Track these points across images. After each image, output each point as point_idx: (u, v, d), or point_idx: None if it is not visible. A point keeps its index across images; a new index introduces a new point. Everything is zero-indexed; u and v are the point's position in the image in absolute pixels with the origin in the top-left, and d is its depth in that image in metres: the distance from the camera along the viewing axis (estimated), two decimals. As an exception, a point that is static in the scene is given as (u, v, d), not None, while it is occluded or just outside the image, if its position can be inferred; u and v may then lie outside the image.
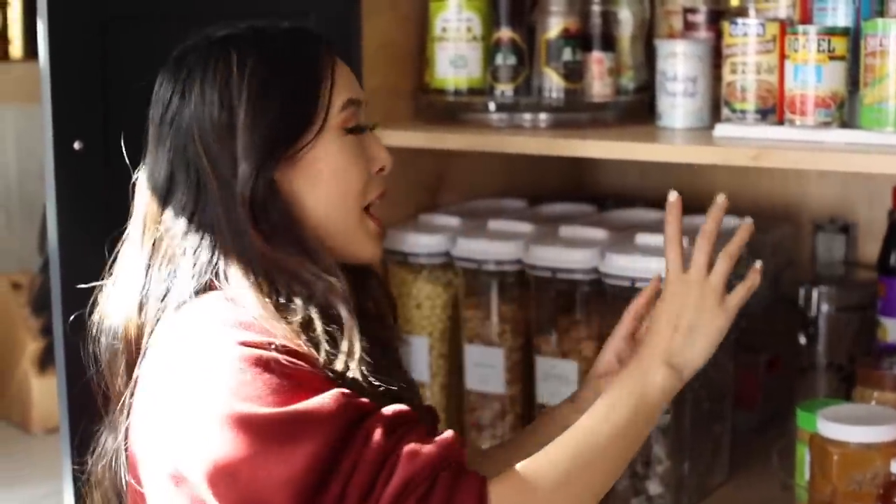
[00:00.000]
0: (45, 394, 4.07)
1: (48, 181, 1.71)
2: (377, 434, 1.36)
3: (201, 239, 1.49)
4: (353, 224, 1.56)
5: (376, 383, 1.44)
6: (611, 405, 1.53)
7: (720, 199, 1.66)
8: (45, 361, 4.09)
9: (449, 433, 1.42)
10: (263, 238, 1.49)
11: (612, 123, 2.17)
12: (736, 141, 1.92)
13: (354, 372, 1.43)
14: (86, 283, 1.74)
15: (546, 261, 2.11)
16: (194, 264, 1.48)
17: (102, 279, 1.57)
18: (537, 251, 2.12)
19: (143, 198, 1.56)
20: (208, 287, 1.48)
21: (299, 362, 1.39)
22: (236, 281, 1.46)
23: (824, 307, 2.33)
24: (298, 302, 1.46)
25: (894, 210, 2.29)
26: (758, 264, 1.66)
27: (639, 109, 2.23)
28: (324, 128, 1.53)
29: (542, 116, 2.15)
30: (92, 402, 1.61)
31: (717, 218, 1.65)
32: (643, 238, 2.10)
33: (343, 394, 1.38)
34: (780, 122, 1.90)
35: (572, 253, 2.09)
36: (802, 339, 2.35)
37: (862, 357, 2.24)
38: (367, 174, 1.57)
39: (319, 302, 1.47)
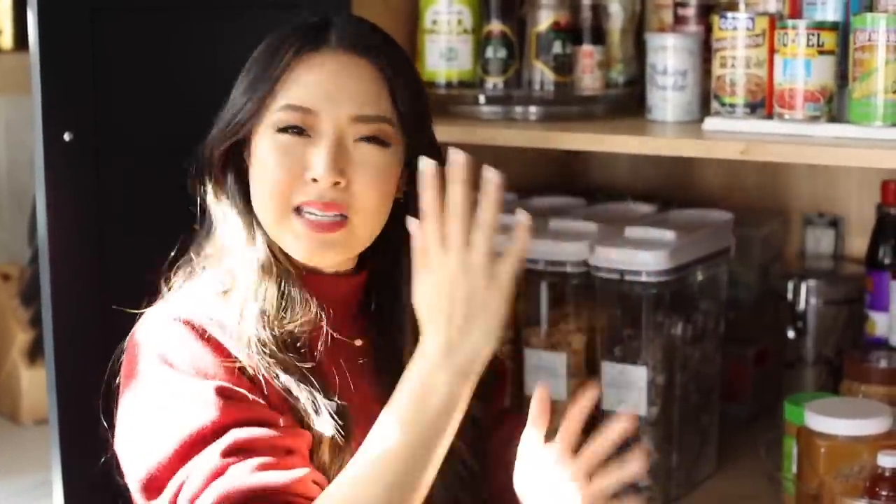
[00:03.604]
0: (35, 385, 4.06)
1: (38, 172, 1.71)
2: (213, 455, 1.40)
3: None
4: (275, 221, 1.53)
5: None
6: (390, 431, 1.41)
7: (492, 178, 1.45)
8: (34, 352, 4.09)
9: (300, 473, 1.42)
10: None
11: (602, 116, 2.18)
12: (725, 134, 1.92)
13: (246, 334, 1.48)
14: (75, 275, 1.75)
15: (536, 254, 2.12)
16: None
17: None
18: (527, 244, 2.12)
19: None
20: None
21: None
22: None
23: (813, 301, 2.34)
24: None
25: (883, 204, 2.29)
26: (523, 218, 1.46)
27: (628, 103, 2.23)
28: (256, 122, 1.54)
29: (533, 109, 2.15)
30: (81, 394, 1.61)
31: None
32: (633, 231, 2.10)
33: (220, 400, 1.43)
34: (770, 116, 1.91)
35: (562, 246, 2.10)
36: (791, 333, 2.36)
37: (850, 350, 2.24)
38: (294, 177, 1.52)
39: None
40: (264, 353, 1.48)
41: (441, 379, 1.41)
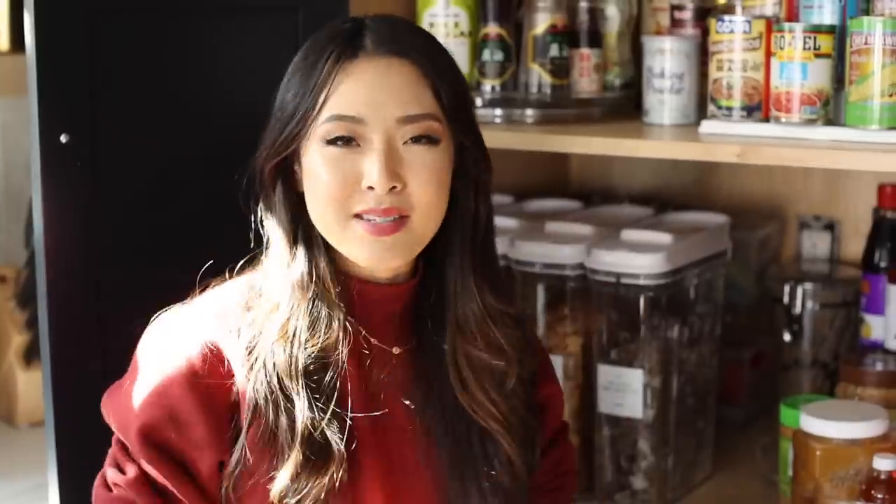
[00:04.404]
0: (31, 387, 4.06)
1: (34, 174, 1.71)
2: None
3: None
4: (336, 230, 1.52)
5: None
6: None
7: None
8: (30, 355, 4.09)
9: None
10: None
11: (599, 119, 2.18)
12: (722, 137, 1.92)
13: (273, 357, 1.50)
14: (71, 277, 1.74)
15: (532, 256, 2.12)
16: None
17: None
18: (524, 247, 2.13)
19: None
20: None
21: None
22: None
23: (809, 304, 2.34)
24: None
25: (879, 207, 2.29)
26: None
27: (625, 106, 2.24)
28: (305, 135, 1.52)
29: (529, 112, 2.15)
30: (77, 396, 1.61)
31: None
32: (629, 234, 2.11)
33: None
34: (766, 119, 1.91)
35: (559, 249, 2.10)
36: (787, 336, 2.36)
37: (846, 353, 2.24)
38: (349, 187, 1.51)
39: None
40: (270, 378, 1.49)
41: None
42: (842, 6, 1.89)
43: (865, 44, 1.77)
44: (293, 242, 1.55)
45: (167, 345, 1.51)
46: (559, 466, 1.77)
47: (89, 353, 1.66)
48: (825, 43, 1.84)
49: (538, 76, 2.15)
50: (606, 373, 2.09)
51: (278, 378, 1.48)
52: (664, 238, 2.07)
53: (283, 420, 1.48)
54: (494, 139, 2.09)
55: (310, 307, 1.51)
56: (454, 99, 1.56)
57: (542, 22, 2.14)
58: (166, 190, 1.83)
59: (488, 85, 2.18)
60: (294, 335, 1.50)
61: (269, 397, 1.48)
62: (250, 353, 1.50)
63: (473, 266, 1.60)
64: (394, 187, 1.50)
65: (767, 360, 2.44)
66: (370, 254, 1.52)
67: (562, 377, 2.11)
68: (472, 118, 1.61)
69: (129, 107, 1.80)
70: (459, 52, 2.21)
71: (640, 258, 2.02)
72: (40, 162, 1.70)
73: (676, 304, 2.09)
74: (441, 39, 2.19)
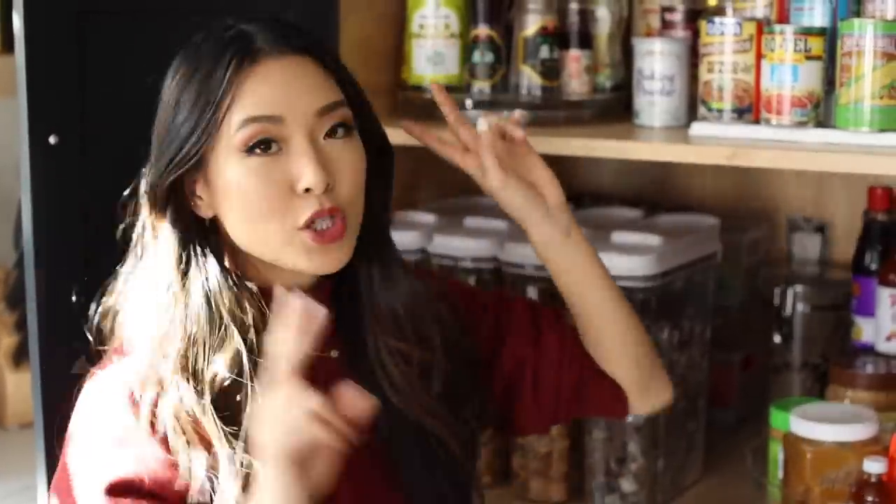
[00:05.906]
0: (20, 388, 4.05)
1: (23, 176, 1.71)
2: None
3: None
4: (278, 245, 1.47)
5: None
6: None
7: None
8: (19, 356, 4.08)
9: None
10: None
11: (589, 121, 2.17)
12: (712, 140, 1.92)
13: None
14: (60, 278, 1.74)
15: (522, 258, 2.11)
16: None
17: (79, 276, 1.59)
18: (513, 248, 2.12)
19: None
20: None
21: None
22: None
23: (799, 306, 2.34)
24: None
25: (869, 210, 2.29)
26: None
27: (616, 108, 2.23)
28: (215, 147, 1.46)
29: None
30: (66, 398, 1.61)
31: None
32: (619, 236, 2.10)
33: None
34: (757, 122, 1.91)
35: (548, 250, 2.09)
36: (777, 338, 2.36)
37: (836, 356, 2.24)
38: (285, 195, 1.45)
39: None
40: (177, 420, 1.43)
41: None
42: (833, 8, 1.89)
43: (856, 46, 1.77)
44: (186, 273, 1.49)
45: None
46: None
47: (78, 354, 1.65)
48: (816, 45, 1.84)
49: (528, 78, 2.15)
50: (597, 375, 2.08)
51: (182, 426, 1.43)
52: (654, 240, 2.07)
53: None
54: (485, 141, 2.09)
55: (213, 331, 1.46)
56: (354, 87, 1.54)
57: (532, 23, 2.14)
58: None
59: (478, 87, 2.18)
60: (193, 367, 1.45)
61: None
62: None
63: (382, 257, 1.60)
64: (328, 185, 1.46)
65: (758, 363, 2.44)
66: (320, 262, 1.48)
67: (552, 379, 2.11)
68: (370, 105, 1.58)
69: (117, 108, 1.80)
70: (450, 54, 2.21)
71: (630, 260, 2.01)
72: (29, 163, 1.70)
73: (666, 306, 2.09)
74: (431, 41, 2.20)
